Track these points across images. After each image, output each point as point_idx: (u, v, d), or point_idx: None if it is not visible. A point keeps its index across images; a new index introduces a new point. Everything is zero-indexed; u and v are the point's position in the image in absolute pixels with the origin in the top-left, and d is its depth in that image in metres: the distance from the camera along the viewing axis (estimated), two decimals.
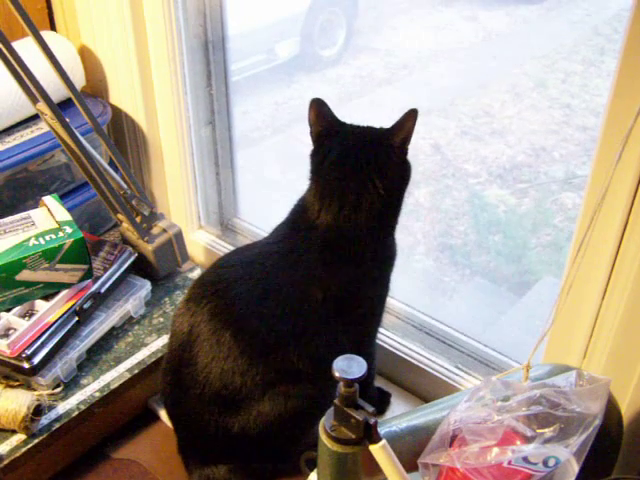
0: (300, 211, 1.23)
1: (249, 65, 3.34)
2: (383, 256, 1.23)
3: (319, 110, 1.20)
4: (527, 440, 0.71)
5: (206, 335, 1.14)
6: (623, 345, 1.03)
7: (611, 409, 0.84)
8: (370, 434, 0.75)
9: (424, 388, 1.47)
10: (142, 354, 1.41)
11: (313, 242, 1.18)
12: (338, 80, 3.49)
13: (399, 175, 1.19)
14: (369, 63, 3.56)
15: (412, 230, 2.44)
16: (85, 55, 1.72)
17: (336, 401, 0.76)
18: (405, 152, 1.19)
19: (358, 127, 1.21)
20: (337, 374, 0.74)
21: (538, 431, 0.70)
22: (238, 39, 3.02)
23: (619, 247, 1.00)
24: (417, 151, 2.74)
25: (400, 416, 0.85)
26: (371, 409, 0.75)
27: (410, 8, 3.81)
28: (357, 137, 1.19)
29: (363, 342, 1.28)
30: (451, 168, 2.76)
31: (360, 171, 1.16)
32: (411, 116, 1.13)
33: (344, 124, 1.22)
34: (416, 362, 1.46)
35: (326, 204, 1.17)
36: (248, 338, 1.12)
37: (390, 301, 1.49)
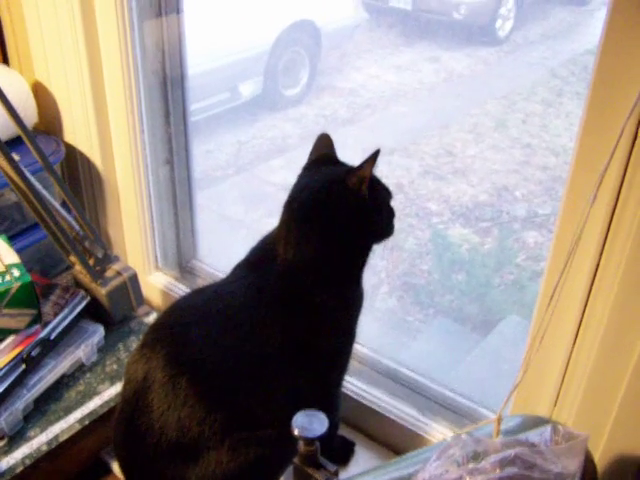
0: (261, 251, 1.18)
1: (213, 104, 3.33)
2: (345, 304, 1.18)
3: (317, 144, 1.19)
4: None
5: (161, 381, 1.07)
6: (595, 393, 1.00)
7: (586, 462, 0.80)
8: None
9: (389, 436, 1.42)
10: (94, 403, 1.35)
11: (271, 284, 1.13)
12: (301, 119, 3.50)
13: (358, 219, 1.13)
14: (332, 102, 3.58)
15: (376, 269, 2.42)
16: (39, 91, 1.67)
17: (296, 460, 0.71)
18: (361, 194, 1.11)
19: (327, 167, 1.16)
20: (297, 432, 0.69)
21: None
22: (201, 77, 3.02)
23: (589, 293, 0.97)
24: None
25: (364, 473, 0.80)
26: (333, 468, 0.70)
27: (373, 49, 3.86)
28: (313, 177, 1.15)
29: (326, 390, 1.23)
30: (414, 207, 2.77)
31: (308, 214, 1.12)
32: (372, 158, 1.08)
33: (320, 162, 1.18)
34: (381, 410, 1.41)
35: (282, 246, 1.13)
36: (205, 383, 1.07)
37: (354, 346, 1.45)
